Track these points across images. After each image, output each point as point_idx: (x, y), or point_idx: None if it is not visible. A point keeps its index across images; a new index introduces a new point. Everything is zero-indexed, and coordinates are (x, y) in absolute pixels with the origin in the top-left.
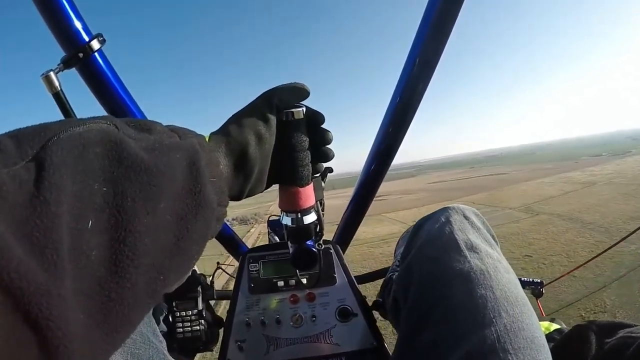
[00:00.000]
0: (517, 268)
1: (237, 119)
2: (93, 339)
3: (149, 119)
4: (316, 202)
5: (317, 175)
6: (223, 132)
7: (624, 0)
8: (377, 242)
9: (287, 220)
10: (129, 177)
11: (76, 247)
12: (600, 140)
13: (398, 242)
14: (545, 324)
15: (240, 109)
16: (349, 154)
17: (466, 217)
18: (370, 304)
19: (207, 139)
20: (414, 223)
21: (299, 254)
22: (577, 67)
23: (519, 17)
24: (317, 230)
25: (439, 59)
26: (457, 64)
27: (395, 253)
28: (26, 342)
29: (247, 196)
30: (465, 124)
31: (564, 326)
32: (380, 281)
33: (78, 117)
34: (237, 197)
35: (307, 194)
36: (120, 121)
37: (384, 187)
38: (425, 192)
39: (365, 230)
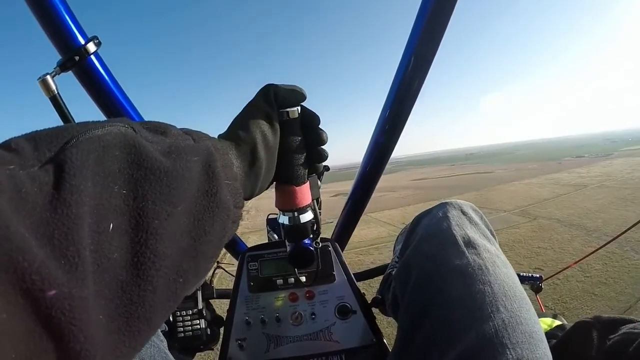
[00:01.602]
0: None
1: (242, 120)
2: (114, 342)
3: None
4: (313, 200)
5: (314, 174)
6: (231, 134)
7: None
8: (366, 247)
9: (283, 219)
10: (149, 179)
11: (97, 249)
12: (579, 142)
13: (397, 238)
14: (548, 320)
15: (241, 109)
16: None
17: (464, 213)
18: (369, 300)
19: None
20: (404, 225)
21: (295, 252)
22: (557, 69)
23: (502, 16)
24: (314, 228)
25: (434, 55)
26: (437, 61)
27: (394, 249)
28: (47, 346)
29: (257, 194)
30: (443, 121)
31: (566, 322)
32: (380, 278)
33: (76, 120)
34: (249, 197)
35: (303, 193)
36: (136, 124)
37: None
38: (410, 189)
39: (352, 233)
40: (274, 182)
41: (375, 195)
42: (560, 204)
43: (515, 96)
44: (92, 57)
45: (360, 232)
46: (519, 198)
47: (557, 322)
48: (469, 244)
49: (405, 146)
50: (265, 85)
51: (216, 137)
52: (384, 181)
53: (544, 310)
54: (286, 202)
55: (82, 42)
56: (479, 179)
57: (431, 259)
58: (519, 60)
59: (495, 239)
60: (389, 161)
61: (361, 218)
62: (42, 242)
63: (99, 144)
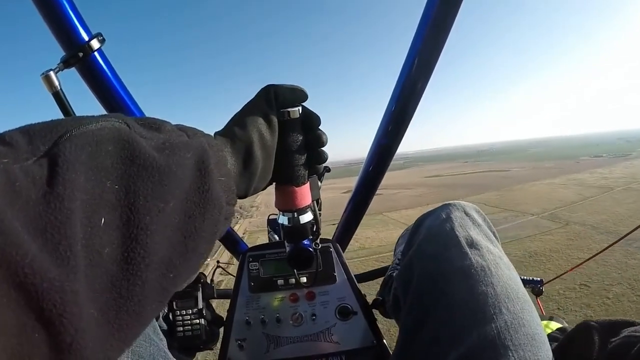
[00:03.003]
0: (578, 304)
1: (239, 118)
2: (104, 335)
3: None
4: (313, 201)
5: (314, 175)
6: (227, 131)
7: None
8: (386, 253)
9: (283, 220)
10: (141, 175)
11: (89, 243)
12: (592, 140)
13: (398, 240)
14: (547, 322)
15: (241, 107)
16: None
17: (467, 214)
18: (370, 302)
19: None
20: None
21: (294, 253)
22: (574, 65)
23: (515, 13)
24: (314, 229)
25: (437, 58)
26: (446, 56)
27: (395, 251)
28: (38, 338)
29: (252, 194)
30: (453, 116)
31: (566, 325)
32: (380, 280)
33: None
34: (243, 196)
35: (303, 194)
36: (131, 119)
37: None
38: (425, 187)
39: (369, 235)
40: (274, 182)
41: (390, 192)
42: (590, 208)
43: (524, 93)
44: (96, 53)
45: (379, 235)
46: (544, 200)
47: (555, 324)
48: (472, 245)
49: (415, 142)
50: (266, 85)
51: (212, 134)
52: (397, 178)
53: (544, 314)
54: (286, 203)
55: (86, 38)
56: (496, 178)
57: (434, 259)
58: (527, 57)
59: (498, 241)
60: (400, 157)
61: (378, 218)
62: (35, 236)
63: (93, 139)
